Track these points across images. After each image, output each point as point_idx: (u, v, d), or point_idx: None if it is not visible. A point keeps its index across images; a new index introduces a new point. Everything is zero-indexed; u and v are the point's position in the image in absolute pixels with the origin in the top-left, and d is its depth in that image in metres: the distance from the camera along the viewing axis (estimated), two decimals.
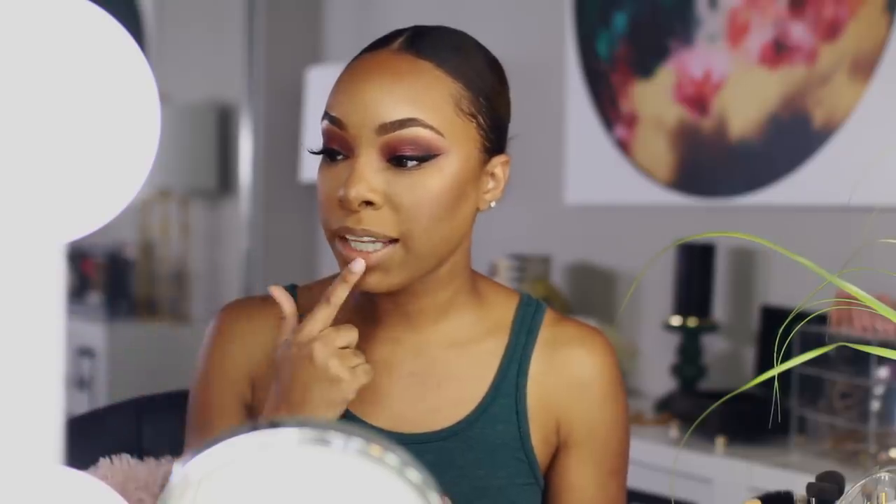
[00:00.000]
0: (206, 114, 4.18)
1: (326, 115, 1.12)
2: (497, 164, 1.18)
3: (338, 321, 1.19)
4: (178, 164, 4.09)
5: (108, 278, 4.35)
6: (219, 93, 4.23)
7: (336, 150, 1.11)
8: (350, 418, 1.19)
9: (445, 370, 1.19)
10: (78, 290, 4.39)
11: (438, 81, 1.11)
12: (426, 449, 1.16)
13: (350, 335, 1.10)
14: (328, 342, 1.09)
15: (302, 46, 3.89)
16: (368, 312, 1.20)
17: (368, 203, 1.09)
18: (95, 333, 4.08)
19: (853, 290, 0.94)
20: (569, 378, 1.20)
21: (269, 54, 3.87)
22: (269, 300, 1.21)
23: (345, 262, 1.11)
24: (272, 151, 3.84)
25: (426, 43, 1.13)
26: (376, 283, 1.11)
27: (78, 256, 4.43)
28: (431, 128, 1.09)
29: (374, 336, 1.20)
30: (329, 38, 3.90)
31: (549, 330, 1.21)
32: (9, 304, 0.45)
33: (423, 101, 1.09)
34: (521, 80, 3.26)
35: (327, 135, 1.12)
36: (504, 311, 1.22)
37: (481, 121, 1.14)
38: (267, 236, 3.88)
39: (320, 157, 1.15)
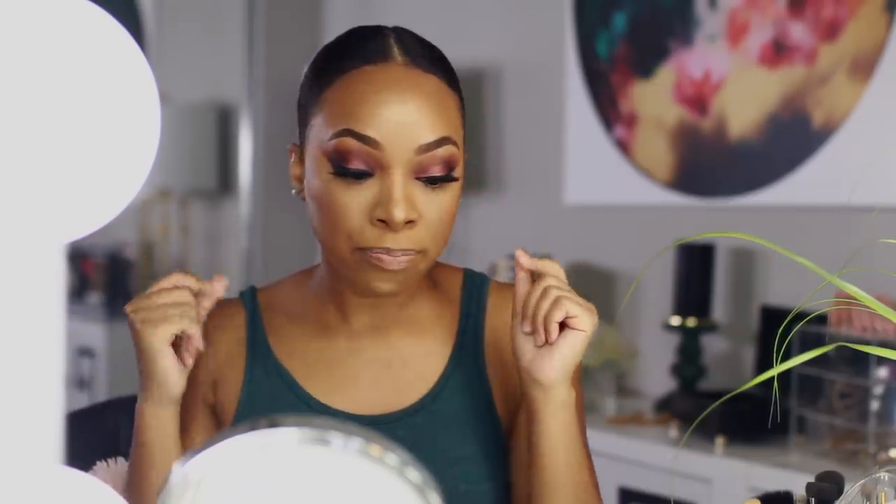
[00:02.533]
0: (206, 114, 4.18)
1: (351, 133, 1.12)
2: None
3: (299, 310, 1.25)
4: (178, 164, 4.09)
5: (108, 278, 4.35)
6: (219, 93, 4.23)
7: (363, 170, 1.12)
8: (316, 406, 1.22)
9: (408, 350, 1.24)
10: (78, 290, 4.39)
11: (450, 97, 1.16)
12: (397, 426, 1.20)
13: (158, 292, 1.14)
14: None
15: (302, 46, 3.89)
16: (334, 304, 1.24)
17: (408, 221, 1.12)
18: (95, 333, 4.08)
19: (853, 290, 0.94)
20: None
21: (269, 54, 3.87)
22: (234, 302, 1.28)
23: (373, 266, 1.13)
24: (272, 151, 3.84)
25: (423, 55, 1.17)
26: (392, 287, 1.15)
27: (78, 256, 4.43)
28: (456, 144, 1.14)
29: (339, 326, 1.24)
30: (329, 38, 3.89)
31: (495, 296, 1.27)
32: (9, 304, 0.45)
33: (447, 116, 1.14)
34: (521, 80, 3.26)
35: (349, 152, 1.12)
36: (452, 286, 1.28)
37: (464, 128, 1.20)
38: (267, 236, 3.88)
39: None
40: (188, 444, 1.21)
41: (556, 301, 1.11)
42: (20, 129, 0.45)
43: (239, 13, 3.95)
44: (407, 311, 1.24)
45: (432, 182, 1.13)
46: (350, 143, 1.11)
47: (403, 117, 1.11)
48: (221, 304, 1.28)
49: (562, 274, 1.15)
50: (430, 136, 1.12)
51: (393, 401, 1.22)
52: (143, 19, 4.56)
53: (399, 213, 1.10)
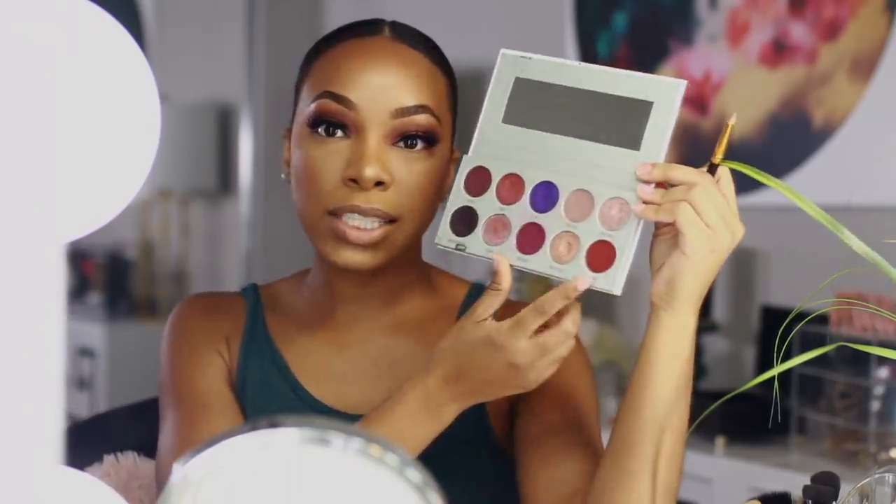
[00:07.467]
0: (206, 114, 4.18)
1: (330, 95, 1.13)
2: (453, 160, 1.21)
3: (295, 304, 1.23)
4: (178, 164, 4.09)
5: (108, 278, 4.34)
6: (219, 93, 4.23)
7: (336, 123, 1.12)
8: (310, 401, 1.19)
9: (397, 352, 1.20)
10: (78, 290, 4.39)
11: (436, 74, 1.16)
12: None
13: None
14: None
15: (302, 46, 3.88)
16: (325, 297, 1.21)
17: (378, 182, 1.11)
18: (95, 333, 4.08)
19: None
20: None
21: (269, 54, 3.87)
22: (234, 295, 1.28)
23: (339, 238, 1.11)
24: (272, 151, 3.84)
25: (415, 37, 1.18)
26: (363, 260, 1.12)
27: (78, 256, 4.43)
28: (436, 116, 1.14)
29: (328, 321, 1.21)
30: None
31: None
32: (9, 304, 0.45)
33: (430, 89, 1.14)
34: None
35: (326, 112, 1.13)
36: (455, 295, 1.24)
37: (454, 116, 1.19)
38: (267, 236, 3.88)
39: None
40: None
41: (677, 204, 1.07)
42: (20, 128, 0.45)
43: (239, 13, 3.95)
44: (396, 311, 1.21)
45: (408, 147, 1.12)
46: (328, 104, 1.13)
47: (383, 81, 1.12)
48: (223, 296, 1.28)
49: (710, 187, 1.09)
50: (408, 101, 1.12)
51: (377, 401, 1.14)
52: (143, 19, 4.56)
53: (369, 171, 1.09)
